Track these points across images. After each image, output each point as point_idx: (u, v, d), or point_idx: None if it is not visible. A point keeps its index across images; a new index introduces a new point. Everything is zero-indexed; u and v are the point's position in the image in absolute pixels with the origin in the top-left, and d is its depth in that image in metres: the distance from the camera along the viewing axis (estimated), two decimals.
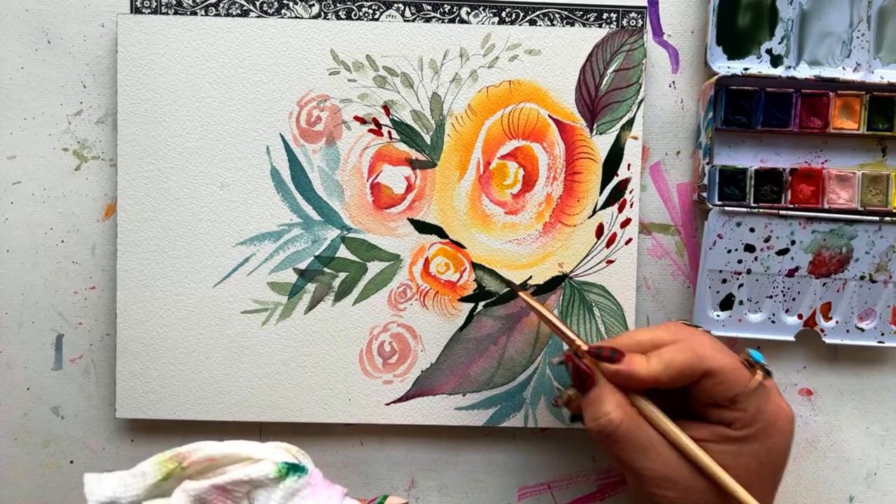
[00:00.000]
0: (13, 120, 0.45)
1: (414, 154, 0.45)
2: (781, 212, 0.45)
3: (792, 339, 0.46)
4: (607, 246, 0.45)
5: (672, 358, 0.37)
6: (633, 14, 0.45)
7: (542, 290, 0.45)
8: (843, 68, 0.45)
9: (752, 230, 0.45)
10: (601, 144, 0.45)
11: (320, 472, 0.34)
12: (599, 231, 0.45)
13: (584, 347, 0.39)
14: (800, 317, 0.46)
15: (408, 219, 0.45)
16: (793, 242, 0.45)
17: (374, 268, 0.45)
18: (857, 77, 0.45)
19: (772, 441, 0.38)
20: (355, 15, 0.44)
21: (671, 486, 0.37)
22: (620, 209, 0.45)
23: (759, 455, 0.38)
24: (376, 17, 0.44)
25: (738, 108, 0.45)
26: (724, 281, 0.45)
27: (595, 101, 0.45)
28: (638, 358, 0.38)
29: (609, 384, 0.38)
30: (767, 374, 0.38)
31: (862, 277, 0.45)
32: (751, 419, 0.37)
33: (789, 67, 0.45)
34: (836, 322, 0.46)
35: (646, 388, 0.38)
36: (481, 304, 0.45)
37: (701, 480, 0.37)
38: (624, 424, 0.37)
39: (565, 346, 0.44)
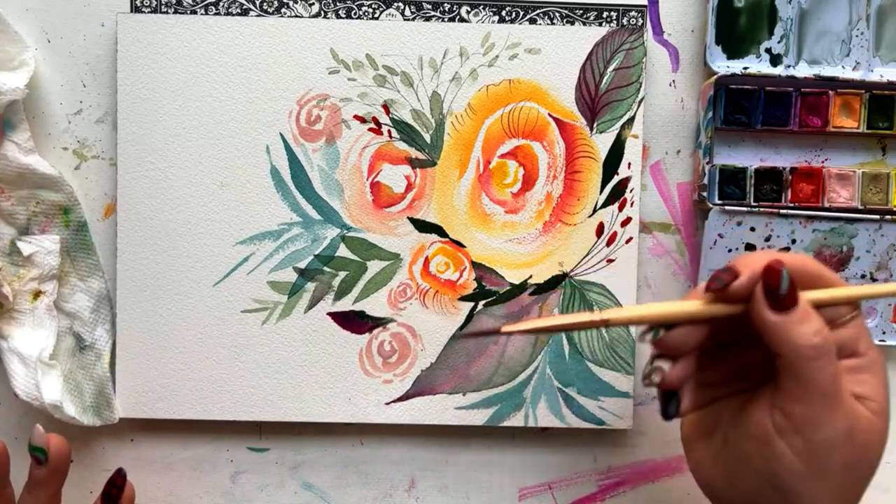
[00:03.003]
0: None
1: (414, 153, 0.45)
2: (782, 211, 0.45)
3: None
4: (608, 245, 0.45)
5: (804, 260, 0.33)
6: (633, 13, 0.45)
7: (543, 289, 0.45)
8: (843, 67, 0.45)
9: (752, 229, 0.45)
10: (601, 143, 0.45)
11: None
12: (600, 230, 0.45)
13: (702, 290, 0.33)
14: None
15: (408, 218, 0.45)
16: (793, 241, 0.45)
17: (374, 267, 0.45)
18: (856, 76, 0.45)
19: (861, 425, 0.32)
20: (355, 14, 0.44)
21: (841, 441, 0.32)
22: (621, 208, 0.45)
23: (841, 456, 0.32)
24: (376, 15, 0.44)
25: (738, 108, 0.45)
26: None
27: (595, 100, 0.45)
28: (756, 259, 0.33)
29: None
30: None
31: (863, 276, 0.45)
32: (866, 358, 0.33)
33: (789, 66, 0.45)
34: None
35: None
36: (481, 303, 0.45)
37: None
38: (831, 340, 0.32)
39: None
